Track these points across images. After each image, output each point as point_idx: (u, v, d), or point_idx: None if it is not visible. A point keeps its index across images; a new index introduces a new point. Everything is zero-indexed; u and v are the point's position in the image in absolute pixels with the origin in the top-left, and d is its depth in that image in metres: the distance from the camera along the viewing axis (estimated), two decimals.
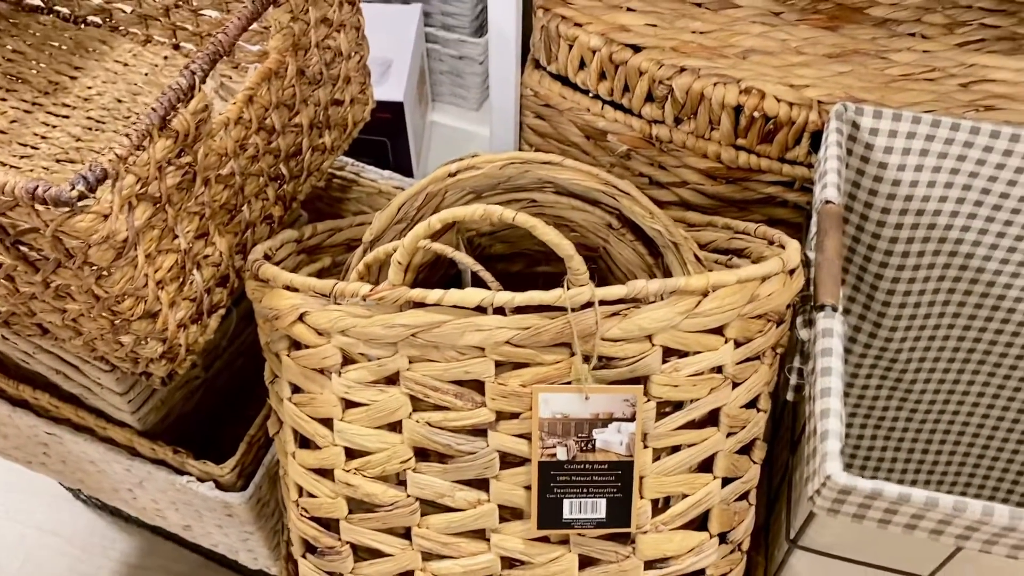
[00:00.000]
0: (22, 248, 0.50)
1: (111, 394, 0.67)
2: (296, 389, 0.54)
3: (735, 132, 0.71)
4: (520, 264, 0.72)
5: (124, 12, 0.80)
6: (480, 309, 0.46)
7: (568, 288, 0.45)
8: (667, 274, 0.60)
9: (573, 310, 0.45)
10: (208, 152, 0.55)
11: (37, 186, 0.45)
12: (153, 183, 0.50)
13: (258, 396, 0.70)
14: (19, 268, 0.52)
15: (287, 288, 0.52)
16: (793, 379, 0.58)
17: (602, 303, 0.46)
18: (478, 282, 0.52)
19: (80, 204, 0.46)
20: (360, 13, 0.68)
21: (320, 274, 0.67)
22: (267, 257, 0.62)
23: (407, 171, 1.05)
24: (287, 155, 0.65)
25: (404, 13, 1.03)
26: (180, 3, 0.76)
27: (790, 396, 0.59)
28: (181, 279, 0.56)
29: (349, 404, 0.51)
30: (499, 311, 0.46)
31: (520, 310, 0.46)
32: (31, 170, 0.71)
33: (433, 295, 0.47)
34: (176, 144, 0.51)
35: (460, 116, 1.16)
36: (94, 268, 0.49)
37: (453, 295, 0.46)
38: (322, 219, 0.71)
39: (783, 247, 0.59)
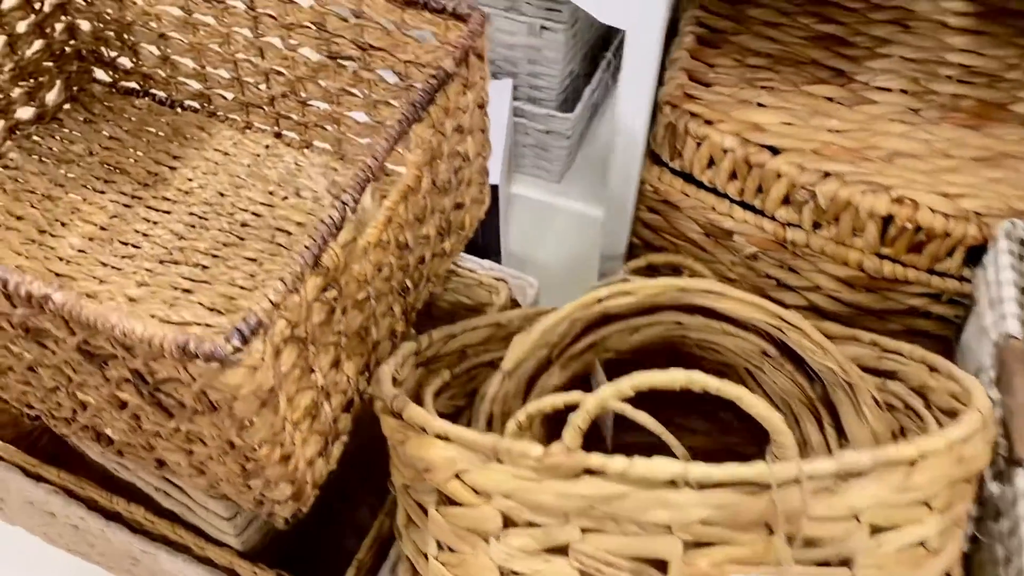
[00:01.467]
0: (157, 395, 0.46)
1: (216, 517, 0.62)
2: (443, 546, 0.49)
3: (881, 240, 0.66)
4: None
5: (224, 98, 0.77)
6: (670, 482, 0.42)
7: (771, 461, 0.41)
8: (833, 413, 0.55)
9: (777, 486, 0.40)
10: (350, 280, 0.51)
11: (188, 341, 0.41)
12: (300, 324, 0.46)
13: (352, 498, 0.66)
14: (148, 410, 0.48)
15: (439, 437, 0.48)
16: (970, 529, 0.53)
17: (810, 478, 0.41)
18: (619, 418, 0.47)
19: (233, 358, 0.42)
20: (487, 115, 0.64)
21: (442, 391, 0.63)
22: (395, 380, 0.57)
23: (495, 251, 1.01)
24: (414, 268, 0.61)
25: (496, 88, 1.00)
26: (287, 93, 0.73)
27: (964, 547, 0.54)
28: (314, 414, 0.52)
29: (508, 572, 0.46)
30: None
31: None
32: (134, 272, 0.67)
33: (616, 464, 0.42)
34: (325, 280, 0.47)
35: (542, 188, 1.12)
36: (236, 419, 0.45)
37: (639, 466, 0.42)
38: (420, 315, 0.67)
39: (953, 380, 0.54)
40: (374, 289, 0.54)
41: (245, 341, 0.42)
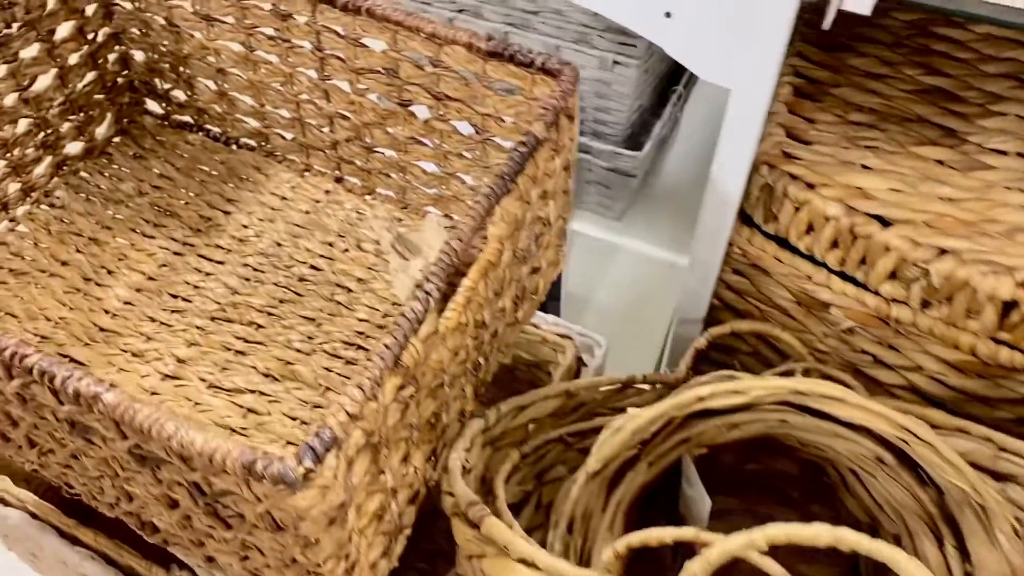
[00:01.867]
0: (215, 505, 0.41)
1: None
2: None
3: (999, 325, 0.60)
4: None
5: (283, 138, 0.72)
6: None
7: None
8: (957, 533, 0.49)
9: None
10: (426, 371, 0.45)
11: (255, 460, 0.36)
12: (376, 430, 0.41)
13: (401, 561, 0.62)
14: (204, 519, 0.43)
15: (524, 563, 0.42)
16: None
17: None
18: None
19: (304, 481, 0.37)
20: (571, 175, 0.59)
21: (512, 475, 0.58)
22: (465, 469, 0.52)
23: (555, 294, 0.96)
24: (487, 343, 0.55)
25: None
26: (351, 138, 0.68)
27: None
28: (380, 515, 0.47)
29: None
30: None
31: None
32: (184, 329, 0.62)
33: None
34: (404, 379, 0.42)
35: (603, 226, 1.07)
36: (302, 538, 0.40)
37: None
38: None
39: None
40: (448, 375, 0.49)
41: (318, 460, 0.37)
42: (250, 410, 0.59)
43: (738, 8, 0.53)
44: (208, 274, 0.66)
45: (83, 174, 0.73)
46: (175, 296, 0.65)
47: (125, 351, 0.61)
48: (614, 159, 0.99)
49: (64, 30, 0.68)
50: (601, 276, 1.06)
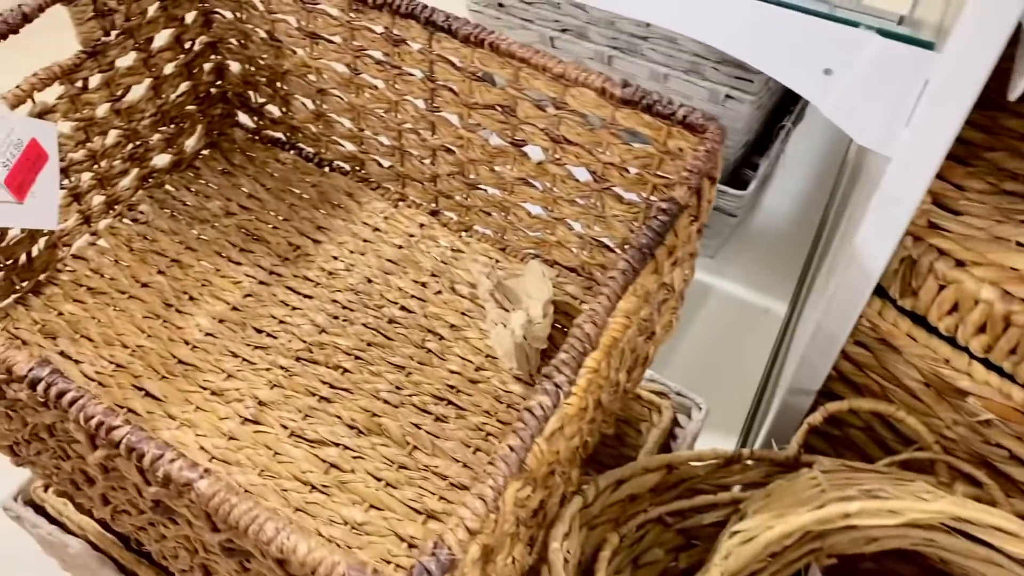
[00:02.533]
0: None
1: None
2: None
3: None
4: None
5: (380, 165, 0.68)
6: None
7: None
8: None
9: None
10: (542, 465, 0.41)
11: None
12: (493, 541, 0.36)
13: None
14: None
15: None
16: None
17: None
18: None
19: None
20: (700, 235, 0.53)
21: (611, 560, 0.53)
22: (565, 560, 0.47)
23: None
24: (598, 421, 0.50)
25: None
26: (454, 172, 0.64)
27: None
28: None
29: None
30: None
31: None
32: (267, 368, 0.59)
33: None
34: (526, 483, 0.37)
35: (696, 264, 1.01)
36: None
37: None
38: None
39: None
40: (560, 465, 0.44)
41: None
42: (333, 465, 0.54)
43: (912, 68, 0.47)
44: (295, 308, 0.62)
45: (169, 188, 0.69)
46: (259, 331, 0.61)
47: (204, 388, 0.58)
48: (717, 197, 0.93)
49: (162, 38, 0.64)
50: (689, 317, 1.00)
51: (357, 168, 0.70)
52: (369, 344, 0.60)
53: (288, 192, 0.69)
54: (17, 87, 0.56)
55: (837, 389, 0.70)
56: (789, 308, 1.00)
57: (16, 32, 0.54)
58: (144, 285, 0.63)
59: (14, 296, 0.61)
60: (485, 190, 0.63)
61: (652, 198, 0.55)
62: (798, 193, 1.12)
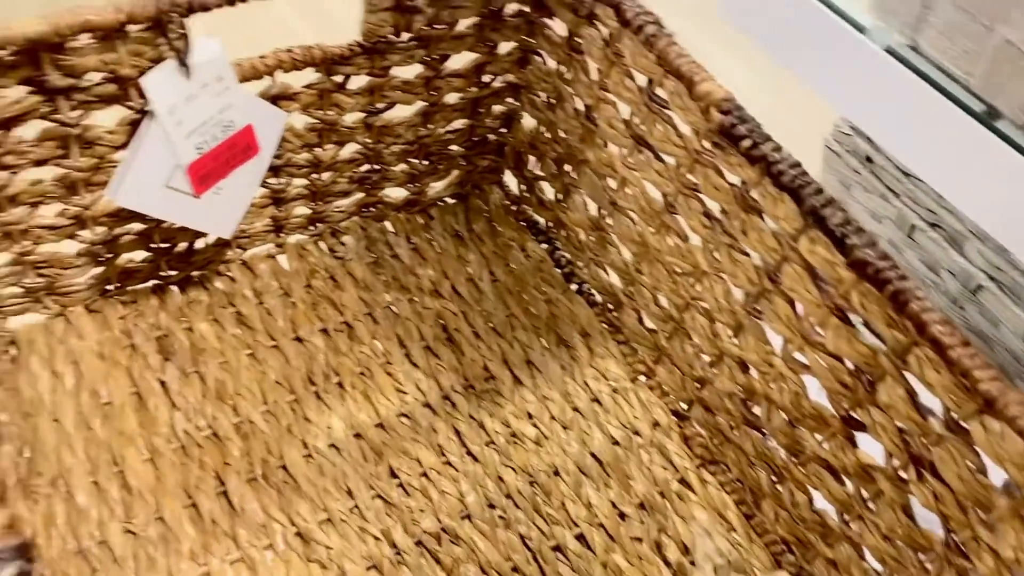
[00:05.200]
0: None
1: None
2: None
3: None
4: None
5: (640, 323, 0.50)
6: None
7: None
8: None
9: None
10: None
11: None
12: None
13: None
14: None
15: None
16: None
17: None
18: None
19: None
20: None
21: None
22: None
23: None
24: None
25: None
26: (734, 395, 0.44)
27: None
28: None
29: None
30: None
31: None
32: (377, 538, 0.42)
33: None
34: None
35: None
36: None
37: None
38: None
39: None
40: None
41: None
42: None
43: None
44: (450, 465, 0.45)
45: (388, 227, 0.55)
46: (395, 475, 0.44)
47: (292, 524, 0.42)
48: None
49: (459, 61, 0.50)
50: None
51: (610, 308, 0.52)
52: (515, 570, 0.42)
53: (516, 295, 0.53)
54: (260, 57, 0.43)
55: None
56: None
57: None
58: (298, 340, 0.49)
59: (153, 282, 0.49)
60: (769, 442, 0.44)
61: None
62: None
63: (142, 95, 0.39)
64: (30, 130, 0.39)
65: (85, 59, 0.37)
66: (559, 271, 0.55)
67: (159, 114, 0.39)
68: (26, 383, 0.45)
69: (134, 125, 0.40)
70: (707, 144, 0.41)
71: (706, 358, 0.46)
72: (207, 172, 0.42)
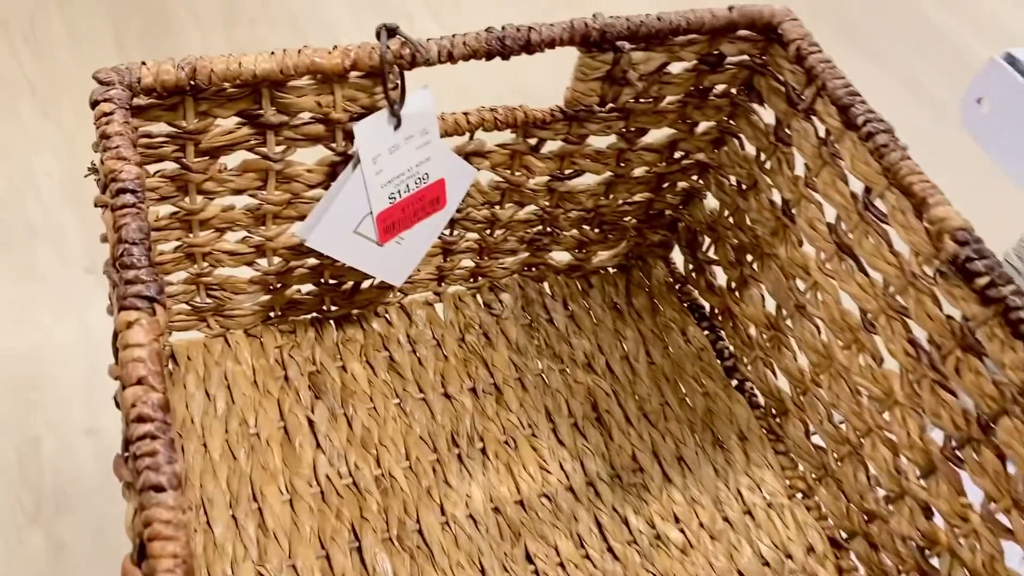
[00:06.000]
0: None
1: None
2: None
3: None
4: None
5: (807, 436, 0.47)
6: None
7: None
8: None
9: None
10: None
11: None
12: None
13: None
14: None
15: None
16: None
17: None
18: None
19: None
20: None
21: None
22: None
23: None
24: None
25: None
26: (912, 539, 0.41)
27: None
28: None
29: None
30: None
31: None
32: None
33: None
34: None
35: None
36: None
37: None
38: None
39: None
40: None
41: None
42: None
43: None
44: (587, 557, 0.43)
45: (546, 290, 0.53)
46: (531, 560, 0.42)
47: None
48: None
49: (654, 136, 0.48)
50: None
51: (774, 413, 0.49)
52: None
53: (672, 382, 0.50)
54: (465, 113, 0.42)
55: None
56: None
57: (512, 55, 0.39)
58: (447, 395, 0.47)
59: (313, 314, 0.48)
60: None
61: None
62: None
63: (346, 138, 0.39)
64: (232, 160, 0.39)
65: (302, 99, 0.37)
66: (720, 362, 0.52)
67: (363, 162, 0.38)
68: (180, 401, 0.45)
69: (332, 167, 0.40)
70: (927, 269, 0.38)
71: (881, 492, 0.42)
72: (394, 221, 0.41)
